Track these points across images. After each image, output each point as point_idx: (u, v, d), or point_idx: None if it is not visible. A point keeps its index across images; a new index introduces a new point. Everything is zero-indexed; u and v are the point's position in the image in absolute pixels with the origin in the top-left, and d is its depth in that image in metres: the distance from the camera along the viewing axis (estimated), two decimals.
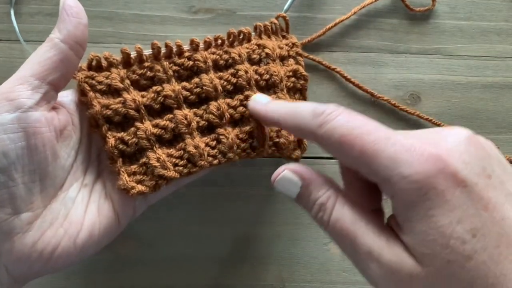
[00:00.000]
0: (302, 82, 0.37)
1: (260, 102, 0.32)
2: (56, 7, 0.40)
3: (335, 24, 0.40)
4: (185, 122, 0.33)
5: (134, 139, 0.32)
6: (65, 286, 0.41)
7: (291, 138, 0.35)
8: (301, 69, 0.37)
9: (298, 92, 0.37)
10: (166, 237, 0.41)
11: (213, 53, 0.35)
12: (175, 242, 0.41)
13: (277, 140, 0.35)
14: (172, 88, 0.33)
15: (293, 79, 0.37)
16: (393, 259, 0.24)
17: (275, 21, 0.38)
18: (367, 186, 0.27)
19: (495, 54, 0.42)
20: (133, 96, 0.32)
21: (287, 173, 0.29)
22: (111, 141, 0.32)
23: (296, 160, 0.37)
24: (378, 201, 0.28)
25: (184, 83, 0.34)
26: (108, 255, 0.41)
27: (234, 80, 0.34)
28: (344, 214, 0.26)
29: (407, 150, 0.23)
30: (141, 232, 0.41)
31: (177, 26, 0.41)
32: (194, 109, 0.34)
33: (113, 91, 0.33)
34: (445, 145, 0.23)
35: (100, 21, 0.40)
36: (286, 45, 0.38)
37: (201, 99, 0.34)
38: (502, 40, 0.42)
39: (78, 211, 0.31)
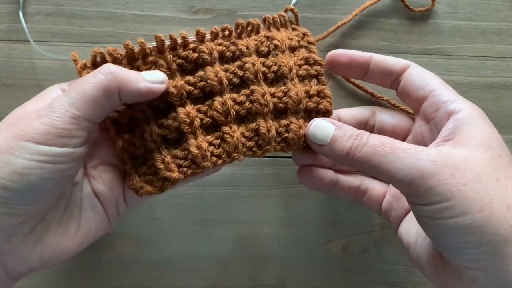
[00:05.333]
0: (316, 67, 0.35)
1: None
2: (55, 7, 0.40)
3: (338, 27, 0.40)
4: (187, 120, 0.32)
5: (140, 141, 0.32)
6: (65, 286, 0.41)
7: (302, 132, 0.34)
8: (314, 56, 0.35)
9: (314, 78, 0.35)
10: (166, 237, 0.41)
11: (220, 45, 0.33)
12: (175, 242, 0.41)
13: (286, 135, 0.33)
14: (173, 84, 0.32)
15: (305, 66, 0.35)
16: (443, 149, 0.29)
17: (284, 14, 0.37)
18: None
19: (495, 54, 0.42)
20: None
21: (319, 120, 0.33)
22: (119, 143, 0.32)
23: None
24: None
25: (188, 77, 0.33)
26: (108, 255, 0.41)
27: (240, 73, 0.33)
28: (382, 136, 0.30)
29: None
30: (141, 232, 0.41)
31: (177, 26, 0.41)
32: (198, 105, 0.33)
33: None
34: None
35: (100, 21, 0.40)
36: (296, 36, 0.36)
37: (205, 94, 0.33)
38: (502, 40, 0.42)
39: (74, 210, 0.31)
